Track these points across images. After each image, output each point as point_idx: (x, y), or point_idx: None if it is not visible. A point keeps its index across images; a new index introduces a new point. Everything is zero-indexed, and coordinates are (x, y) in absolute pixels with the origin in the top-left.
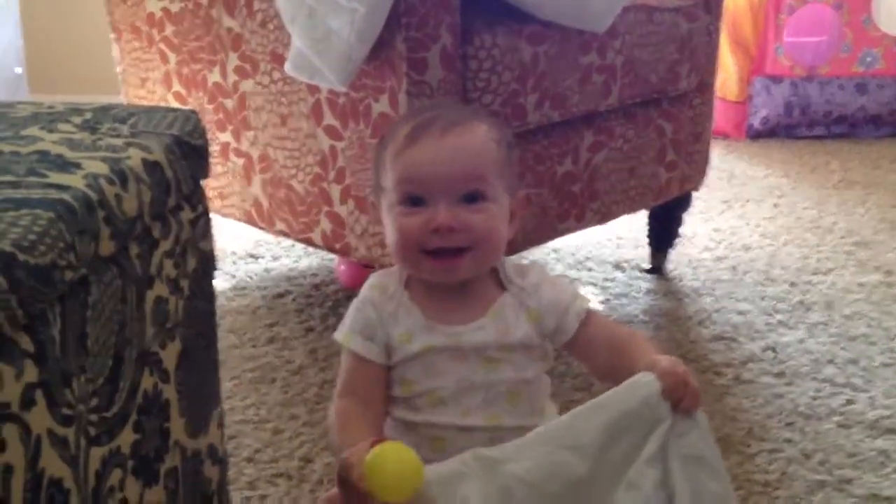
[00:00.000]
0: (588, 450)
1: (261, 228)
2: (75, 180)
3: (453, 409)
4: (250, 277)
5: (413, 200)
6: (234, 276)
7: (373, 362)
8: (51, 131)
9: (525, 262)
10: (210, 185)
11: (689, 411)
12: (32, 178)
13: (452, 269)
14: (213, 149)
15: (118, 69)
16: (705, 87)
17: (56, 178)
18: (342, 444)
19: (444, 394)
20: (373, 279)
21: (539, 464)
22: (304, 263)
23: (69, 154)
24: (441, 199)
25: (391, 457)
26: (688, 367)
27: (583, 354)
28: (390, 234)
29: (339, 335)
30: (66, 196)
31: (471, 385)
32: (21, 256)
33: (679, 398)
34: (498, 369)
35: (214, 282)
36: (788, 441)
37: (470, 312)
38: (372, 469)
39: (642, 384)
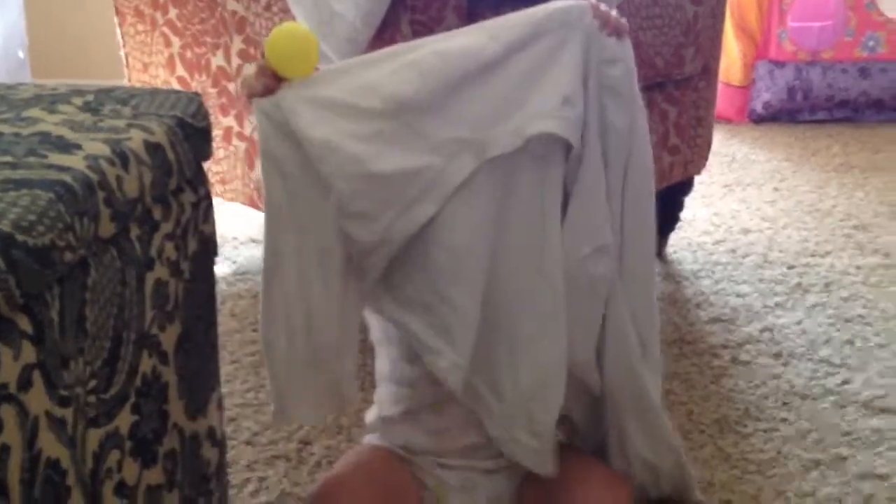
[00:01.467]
0: (505, 39)
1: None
2: (76, 161)
3: None
4: (252, 262)
5: None
6: (235, 262)
7: None
8: (52, 112)
9: None
10: (212, 170)
11: (615, 33)
12: (32, 159)
13: None
14: (216, 133)
15: (121, 53)
16: (709, 71)
17: (56, 158)
18: None
19: None
20: None
21: (456, 41)
22: None
23: (70, 135)
24: None
25: (287, 31)
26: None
27: None
28: None
29: None
30: (66, 177)
31: None
32: (20, 237)
33: (605, 19)
34: None
35: (216, 266)
36: (784, 421)
37: None
38: (271, 44)
39: (570, 1)
